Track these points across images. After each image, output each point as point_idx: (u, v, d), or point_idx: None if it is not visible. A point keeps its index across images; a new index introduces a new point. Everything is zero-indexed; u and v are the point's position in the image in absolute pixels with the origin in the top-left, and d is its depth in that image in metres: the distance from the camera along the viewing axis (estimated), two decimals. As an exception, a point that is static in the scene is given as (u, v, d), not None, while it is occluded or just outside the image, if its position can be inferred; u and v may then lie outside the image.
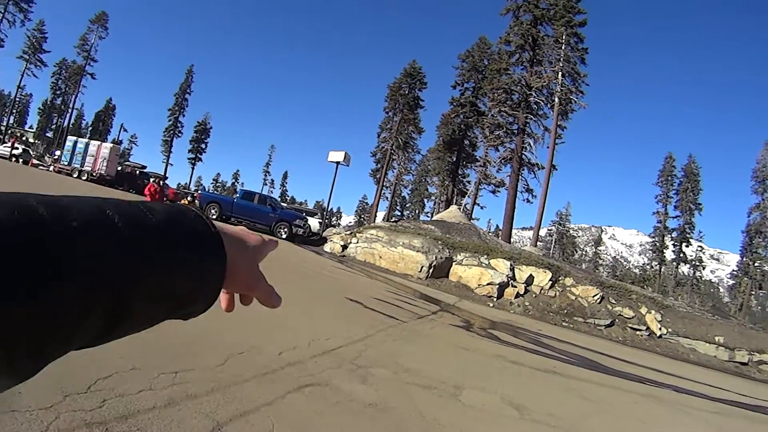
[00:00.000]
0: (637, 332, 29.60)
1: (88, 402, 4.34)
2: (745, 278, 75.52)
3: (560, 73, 52.57)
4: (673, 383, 17.37)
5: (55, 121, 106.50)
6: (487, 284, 29.59)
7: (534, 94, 53.75)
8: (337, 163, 47.79)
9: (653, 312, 30.62)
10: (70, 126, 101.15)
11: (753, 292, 79.72)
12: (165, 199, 18.61)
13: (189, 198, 16.16)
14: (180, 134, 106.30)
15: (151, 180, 18.54)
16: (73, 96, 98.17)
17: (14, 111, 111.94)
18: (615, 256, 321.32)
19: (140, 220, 0.63)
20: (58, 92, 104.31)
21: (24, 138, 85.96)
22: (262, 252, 0.87)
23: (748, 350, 31.66)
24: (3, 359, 0.47)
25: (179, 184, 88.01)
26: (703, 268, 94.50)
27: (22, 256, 0.48)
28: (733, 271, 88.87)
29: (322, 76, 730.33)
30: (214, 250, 0.71)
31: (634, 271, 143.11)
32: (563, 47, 52.47)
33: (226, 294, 0.88)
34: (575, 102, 53.28)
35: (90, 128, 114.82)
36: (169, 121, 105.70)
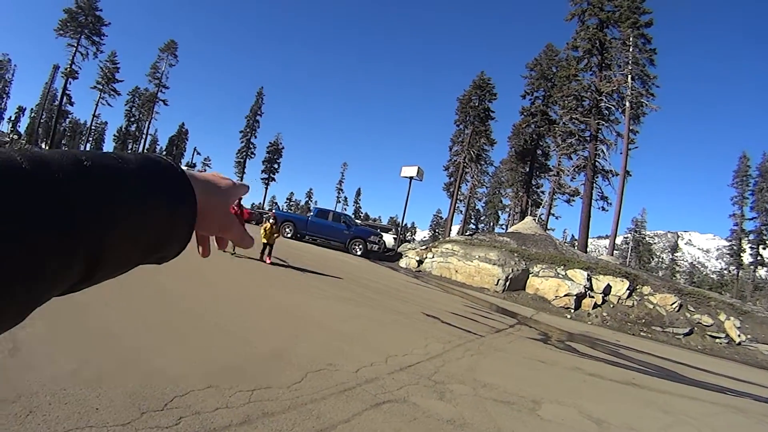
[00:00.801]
0: (716, 340, 29.01)
1: (164, 419, 4.51)
2: (827, 280, 72.59)
3: (630, 77, 51.99)
4: (754, 392, 17.08)
5: (130, 147, 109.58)
6: (564, 295, 29.53)
7: (604, 99, 53.30)
8: (410, 178, 47.58)
9: (732, 318, 29.99)
10: (145, 151, 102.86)
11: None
12: (244, 219, 20.28)
13: (271, 221, 17.05)
14: (253, 155, 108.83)
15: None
16: (147, 122, 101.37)
17: (90, 139, 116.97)
18: (692, 262, 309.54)
19: (115, 168, 0.67)
20: (132, 119, 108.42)
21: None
22: (232, 194, 0.93)
23: None
24: None
25: (253, 204, 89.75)
26: None
27: (3, 203, 0.51)
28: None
29: (392, 90, 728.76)
30: (185, 194, 0.76)
31: (712, 276, 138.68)
32: (631, 49, 51.89)
33: (203, 238, 0.98)
34: (646, 105, 52.53)
35: (164, 153, 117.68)
36: (242, 142, 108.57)
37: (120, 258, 0.66)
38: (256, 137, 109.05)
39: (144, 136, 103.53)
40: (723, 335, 29.29)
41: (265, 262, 18.33)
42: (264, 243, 18.50)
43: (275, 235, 18.77)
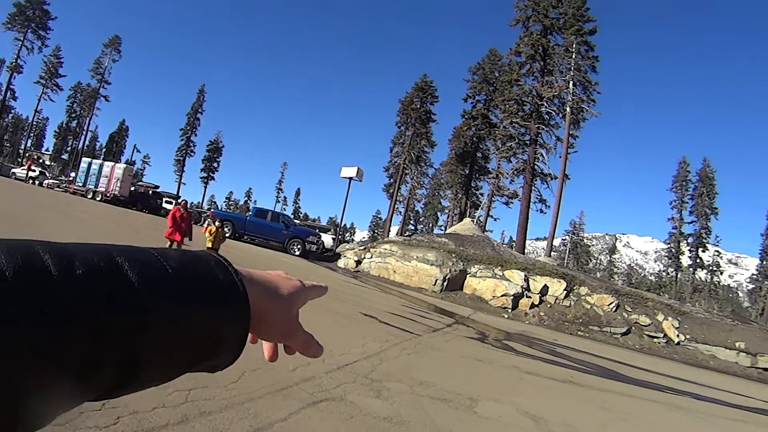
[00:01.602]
0: (655, 340, 29.45)
1: (102, 419, 4.40)
2: (766, 282, 74.96)
3: (571, 83, 52.68)
4: (693, 391, 17.25)
5: (70, 143, 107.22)
6: (502, 295, 29.58)
7: (545, 104, 53.84)
8: (350, 178, 47.39)
9: (670, 319, 30.44)
10: (85, 148, 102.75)
11: (779, 296, 78.71)
12: (192, 223, 18.28)
13: (217, 223, 15.49)
14: (192, 153, 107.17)
15: (177, 203, 18.26)
16: (88, 118, 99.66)
17: (31, 134, 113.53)
18: (630, 264, 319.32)
19: (152, 268, 0.60)
20: (74, 115, 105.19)
21: (41, 160, 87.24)
22: (299, 300, 0.83)
23: None
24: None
25: (192, 203, 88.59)
26: (721, 273, 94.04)
27: (22, 302, 0.47)
28: (753, 275, 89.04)
29: (334, 92, 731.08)
30: (235, 301, 0.66)
31: (650, 278, 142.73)
32: (574, 56, 52.62)
33: (268, 342, 0.85)
34: (587, 110, 53.34)
35: (104, 149, 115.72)
36: (182, 140, 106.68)
37: (159, 366, 0.60)
38: (196, 135, 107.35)
39: (84, 133, 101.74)
40: (661, 335, 29.79)
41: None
42: (209, 248, 16.28)
43: (221, 239, 17.23)
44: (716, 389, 19.43)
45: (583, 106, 53.02)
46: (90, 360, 0.51)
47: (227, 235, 33.33)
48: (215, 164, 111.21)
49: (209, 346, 0.64)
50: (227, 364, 0.69)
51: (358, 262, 34.83)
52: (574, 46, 52.50)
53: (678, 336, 30.03)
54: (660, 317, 30.47)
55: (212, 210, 44.46)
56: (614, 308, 30.13)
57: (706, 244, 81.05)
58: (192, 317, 0.61)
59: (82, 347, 0.50)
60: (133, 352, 0.55)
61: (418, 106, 73.99)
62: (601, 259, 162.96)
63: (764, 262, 77.38)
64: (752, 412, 16.13)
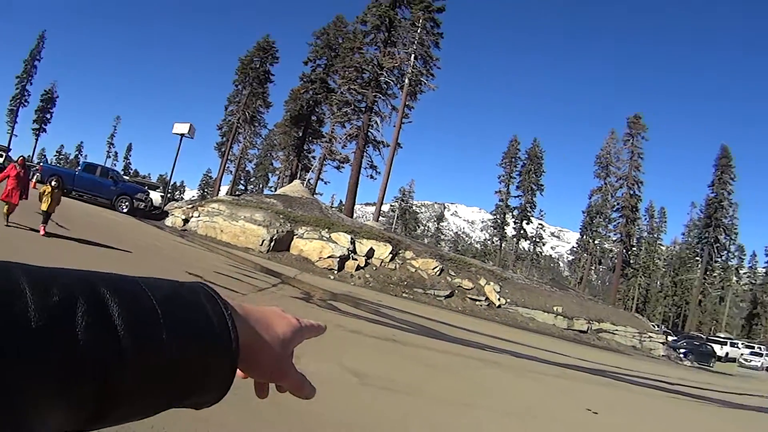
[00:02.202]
0: (477, 302, 30.48)
1: None
2: (585, 254, 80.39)
3: (413, 56, 52.87)
4: (513, 349, 18.19)
5: None
6: (328, 257, 29.63)
7: (385, 74, 53.89)
8: (182, 135, 45.46)
9: (492, 284, 31.67)
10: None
11: (593, 267, 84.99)
12: (27, 184, 15.72)
13: (53, 183, 13.38)
14: (27, 103, 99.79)
15: (13, 161, 15.73)
16: None
17: None
18: (457, 232, 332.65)
19: (136, 299, 0.57)
20: None
21: None
22: (293, 339, 0.79)
23: (586, 319, 33.94)
24: None
25: (21, 156, 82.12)
26: (543, 245, 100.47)
27: None
28: (573, 247, 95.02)
29: (171, 47, 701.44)
30: (223, 337, 0.64)
31: (476, 246, 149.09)
32: (419, 31, 52.76)
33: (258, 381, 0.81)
34: (425, 84, 54.07)
35: None
36: (17, 89, 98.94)
37: (137, 401, 0.57)
38: (32, 84, 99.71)
39: None
40: (483, 298, 31.04)
41: (40, 233, 14.32)
42: (44, 211, 14.54)
43: (57, 201, 14.93)
44: (534, 348, 20.59)
45: (421, 79, 53.64)
46: (61, 389, 0.49)
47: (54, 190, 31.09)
48: (48, 116, 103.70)
49: (194, 384, 0.62)
50: (214, 401, 0.67)
51: (186, 221, 33.82)
52: (420, 21, 52.64)
53: (499, 299, 31.33)
54: (482, 282, 31.56)
55: (41, 164, 41.01)
56: (438, 272, 30.80)
57: (531, 217, 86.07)
58: (176, 353, 0.59)
59: (53, 383, 0.48)
60: (113, 386, 0.53)
61: (258, 66, 72.69)
62: (429, 227, 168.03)
63: (583, 237, 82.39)
64: (566, 368, 17.13)
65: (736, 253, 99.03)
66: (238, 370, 0.67)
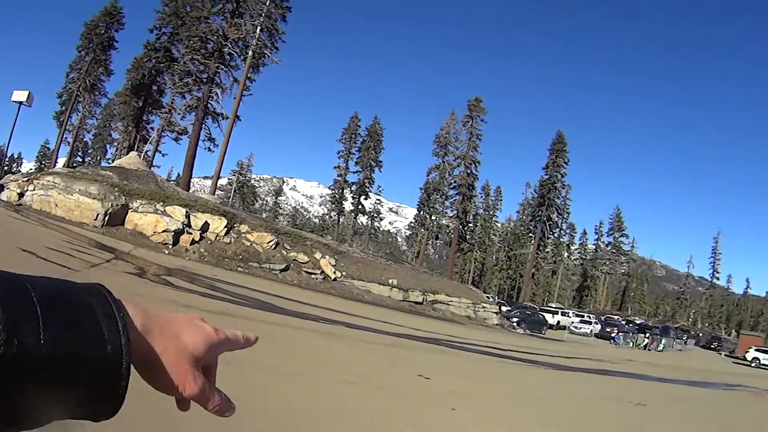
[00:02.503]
0: (312, 276, 30.91)
1: None
2: (422, 229, 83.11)
3: (259, 28, 52.83)
4: (348, 321, 18.75)
5: None
6: (163, 231, 29.27)
7: (229, 45, 53.44)
8: (20, 103, 44.22)
9: (327, 257, 32.22)
10: None
11: (430, 242, 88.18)
12: None
13: None
14: None
15: None
16: None
17: None
18: (296, 207, 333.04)
19: (16, 298, 0.53)
20: None
21: None
22: (206, 352, 0.71)
23: (422, 291, 35.00)
24: None
25: None
26: (381, 220, 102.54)
27: None
28: (411, 223, 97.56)
29: (13, 15, 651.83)
30: (108, 342, 0.58)
31: (314, 220, 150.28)
32: (267, 3, 52.72)
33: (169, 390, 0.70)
34: (269, 57, 54.28)
35: None
36: None
37: (18, 412, 0.52)
38: None
39: None
40: (319, 272, 31.46)
41: None
42: None
43: None
44: (369, 319, 21.24)
45: (266, 51, 53.78)
46: None
47: None
48: None
49: (80, 390, 0.56)
50: (110, 411, 0.60)
51: (21, 195, 32.30)
52: (270, -6, 52.54)
53: (335, 273, 31.85)
54: (318, 255, 31.98)
55: None
56: (274, 246, 31.02)
57: (369, 193, 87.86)
58: (58, 357, 0.53)
59: None
60: None
61: (103, 32, 69.12)
62: (267, 201, 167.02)
63: (421, 212, 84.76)
64: (401, 338, 17.82)
65: (567, 231, 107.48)
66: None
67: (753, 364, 52.28)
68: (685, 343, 67.31)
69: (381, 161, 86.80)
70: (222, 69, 54.17)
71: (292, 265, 30.79)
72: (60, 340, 0.53)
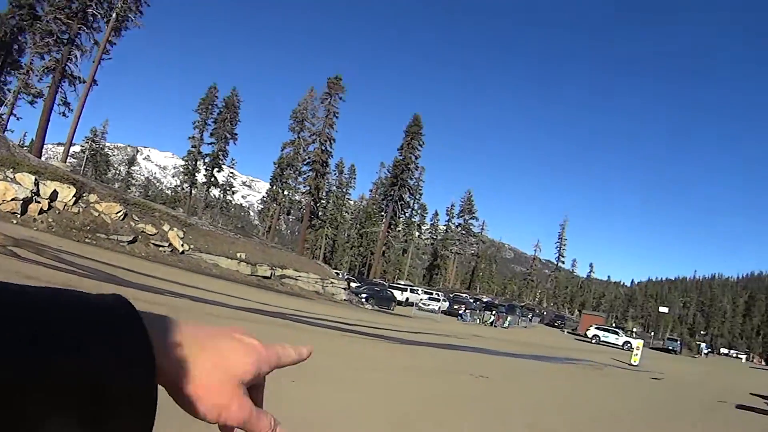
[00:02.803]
0: (160, 248, 31.02)
1: None
2: (275, 204, 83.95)
3: (122, -11, 50.97)
4: (193, 294, 18.96)
5: None
6: (12, 200, 28.39)
7: (94, 5, 51.85)
8: None
9: (176, 229, 32.42)
10: None
11: (282, 217, 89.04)
12: None
13: None
14: None
15: None
16: None
17: None
18: (149, 177, 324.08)
19: (13, 306, 0.44)
20: None
21: None
22: (250, 371, 0.62)
23: (270, 265, 35.73)
24: None
25: None
26: (234, 193, 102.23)
27: None
28: (264, 197, 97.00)
29: None
30: (127, 362, 0.48)
31: (167, 192, 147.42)
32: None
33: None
34: (132, 21, 53.36)
35: None
36: None
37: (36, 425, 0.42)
38: None
39: None
40: (167, 244, 31.54)
41: None
42: None
43: None
44: (215, 293, 21.54)
45: (129, 15, 52.77)
46: None
47: None
48: None
49: (100, 411, 0.45)
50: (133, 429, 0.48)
51: None
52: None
53: (183, 245, 32.15)
54: (166, 227, 32.08)
55: None
56: (122, 217, 30.75)
57: (222, 165, 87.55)
58: (74, 375, 0.44)
59: None
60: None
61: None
62: (120, 170, 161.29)
63: (273, 187, 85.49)
64: (245, 311, 18.35)
65: (419, 211, 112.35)
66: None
67: (593, 341, 57.75)
68: (531, 320, 71.58)
69: (236, 134, 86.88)
70: (84, 30, 52.60)
71: (140, 236, 30.57)
72: (69, 363, 0.44)
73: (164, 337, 0.55)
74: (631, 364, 32.43)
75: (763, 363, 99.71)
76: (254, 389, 0.65)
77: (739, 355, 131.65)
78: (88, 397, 0.44)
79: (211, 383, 0.57)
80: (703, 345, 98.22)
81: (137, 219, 31.38)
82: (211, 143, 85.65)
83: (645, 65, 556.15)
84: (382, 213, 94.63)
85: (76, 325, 0.46)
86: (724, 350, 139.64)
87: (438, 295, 60.99)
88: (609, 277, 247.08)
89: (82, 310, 0.48)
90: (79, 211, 29.94)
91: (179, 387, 0.55)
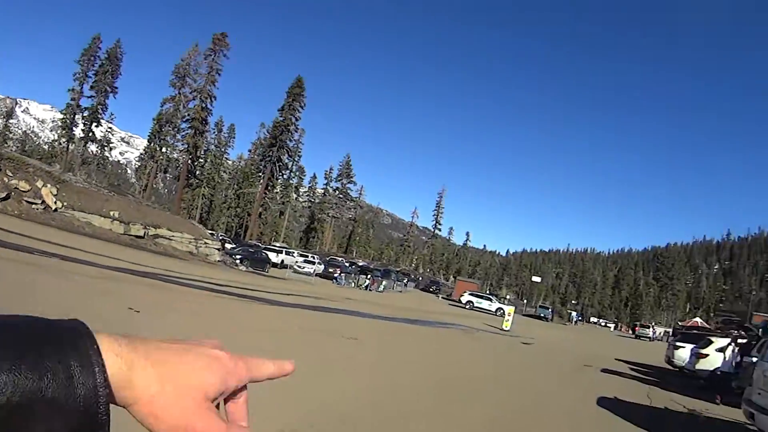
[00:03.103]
0: (33, 206, 30.01)
1: None
2: (152, 162, 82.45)
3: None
4: (64, 254, 18.49)
5: None
6: None
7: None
8: None
9: (50, 186, 31.36)
10: None
11: (159, 176, 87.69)
12: None
13: None
14: None
15: None
16: None
17: None
18: (26, 131, 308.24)
19: None
20: None
21: None
22: (219, 387, 0.60)
23: (143, 225, 35.13)
24: None
25: None
26: (112, 149, 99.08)
27: None
28: (141, 154, 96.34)
29: None
30: (82, 377, 0.47)
31: (44, 147, 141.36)
32: None
33: None
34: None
35: None
36: None
37: None
38: None
39: None
40: (40, 201, 30.45)
41: None
42: None
43: None
44: (86, 252, 21.12)
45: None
46: None
47: None
48: None
49: (14, 423, 0.44)
50: None
51: None
52: None
53: (56, 203, 31.23)
54: (40, 184, 30.95)
55: None
56: None
57: (101, 120, 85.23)
58: (13, 402, 0.43)
59: None
60: None
61: None
62: None
63: (151, 144, 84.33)
64: (116, 271, 18.14)
65: (297, 173, 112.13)
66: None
67: (467, 307, 59.68)
68: (406, 285, 72.53)
69: (117, 87, 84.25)
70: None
71: (13, 193, 29.35)
72: (17, 382, 0.43)
73: (119, 355, 0.53)
74: (502, 329, 34.33)
75: (630, 332, 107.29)
76: (233, 402, 0.66)
77: (608, 324, 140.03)
78: (22, 414, 0.44)
79: (167, 402, 0.55)
80: (574, 313, 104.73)
81: (11, 175, 30.01)
82: (91, 96, 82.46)
83: (514, 29, 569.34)
84: (260, 174, 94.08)
85: (16, 344, 0.46)
86: (594, 319, 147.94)
87: (314, 258, 61.02)
88: (485, 246, 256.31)
89: (28, 329, 0.48)
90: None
91: (137, 407, 0.54)
